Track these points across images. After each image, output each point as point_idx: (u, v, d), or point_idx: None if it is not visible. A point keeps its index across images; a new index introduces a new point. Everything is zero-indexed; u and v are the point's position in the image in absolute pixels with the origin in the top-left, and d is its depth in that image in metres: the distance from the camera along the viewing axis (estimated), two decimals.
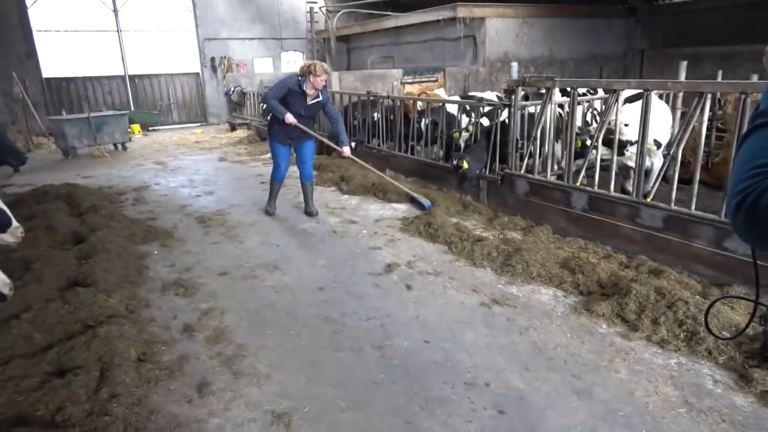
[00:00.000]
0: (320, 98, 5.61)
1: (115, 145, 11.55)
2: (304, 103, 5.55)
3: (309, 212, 6.06)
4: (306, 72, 5.41)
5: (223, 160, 10.00)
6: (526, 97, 5.64)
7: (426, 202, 5.94)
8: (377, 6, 14.54)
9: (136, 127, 14.51)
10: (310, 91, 5.50)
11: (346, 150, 5.86)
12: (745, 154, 0.91)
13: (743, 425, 2.49)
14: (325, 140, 6.30)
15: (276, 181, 6.07)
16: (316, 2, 17.13)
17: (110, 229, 5.29)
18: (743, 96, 3.45)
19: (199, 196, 7.28)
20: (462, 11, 10.87)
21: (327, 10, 16.44)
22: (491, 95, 7.57)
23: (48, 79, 14.65)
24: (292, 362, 3.16)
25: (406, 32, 13.42)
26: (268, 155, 10.14)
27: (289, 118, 5.49)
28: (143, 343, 3.32)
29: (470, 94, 8.74)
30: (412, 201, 6.17)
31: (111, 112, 12.18)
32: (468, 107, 6.67)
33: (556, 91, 5.10)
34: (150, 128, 15.33)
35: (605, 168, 4.89)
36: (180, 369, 3.08)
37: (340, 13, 15.19)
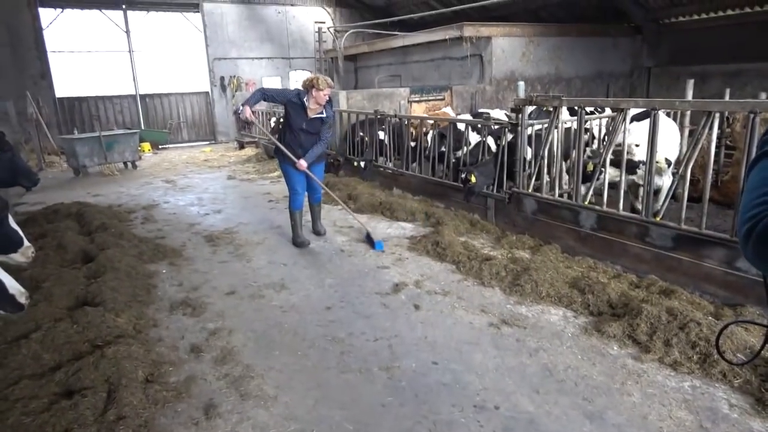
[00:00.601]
0: (323, 114, 5.31)
1: (125, 163, 11.68)
2: (305, 117, 5.27)
3: (317, 231, 6.03)
4: (308, 86, 5.17)
5: (232, 179, 10.07)
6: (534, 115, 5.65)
7: (377, 240, 5.53)
8: (384, 26, 14.72)
9: (146, 146, 14.68)
10: (312, 105, 5.22)
11: (302, 163, 5.32)
12: (753, 180, 0.91)
13: None
14: (290, 154, 5.37)
15: (296, 209, 5.67)
16: (324, 22, 17.39)
17: (119, 247, 5.32)
18: (752, 115, 3.43)
19: (208, 214, 7.32)
20: (468, 30, 10.96)
21: (335, 29, 16.66)
22: (500, 113, 7.60)
23: (61, 99, 14.90)
24: (300, 384, 3.14)
25: (413, 51, 13.53)
26: (277, 173, 10.28)
27: (247, 111, 5.10)
28: (151, 363, 3.31)
29: (480, 111, 8.77)
30: (367, 235, 5.76)
31: (121, 131, 12.34)
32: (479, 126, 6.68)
33: (564, 110, 5.11)
34: (160, 146, 15.51)
35: (613, 186, 4.87)
36: (187, 390, 3.06)
37: (347, 33, 15.38)
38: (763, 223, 0.81)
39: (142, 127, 15.88)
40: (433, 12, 14.37)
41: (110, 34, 15.70)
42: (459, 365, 3.25)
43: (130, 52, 15.97)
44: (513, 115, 5.52)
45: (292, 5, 17.53)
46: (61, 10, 14.81)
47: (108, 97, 15.90)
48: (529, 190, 5.44)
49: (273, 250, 5.63)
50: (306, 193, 5.77)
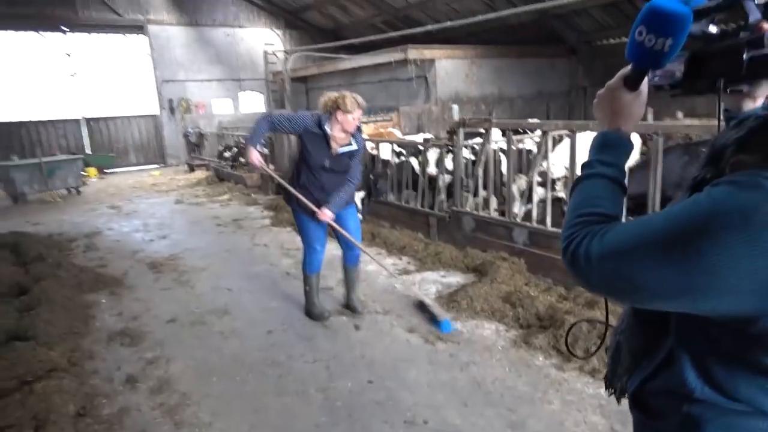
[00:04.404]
0: (353, 146, 3.94)
1: (68, 189, 11.34)
2: (328, 152, 3.88)
3: (353, 307, 4.41)
4: (332, 107, 3.80)
5: (180, 203, 9.95)
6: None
7: (443, 320, 4.02)
8: (334, 48, 14.96)
9: (92, 170, 14.32)
10: (337, 134, 3.84)
11: (325, 213, 3.92)
12: (573, 201, 1.03)
13: None
14: (309, 203, 3.97)
15: (312, 271, 4.29)
16: (273, 44, 17.50)
17: (56, 278, 5.19)
18: (654, 136, 3.75)
19: (153, 240, 7.22)
20: (413, 53, 11.33)
21: (285, 52, 16.79)
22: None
23: None
24: (236, 409, 3.17)
25: (361, 73, 13.83)
26: (226, 196, 10.25)
27: (252, 154, 3.95)
28: (83, 396, 3.27)
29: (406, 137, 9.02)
30: (421, 308, 4.38)
31: (64, 156, 12.00)
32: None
33: (494, 131, 5.38)
34: (107, 171, 15.13)
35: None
36: (120, 422, 3.04)
37: (292, 56, 15.54)
38: (574, 243, 0.93)
39: (88, 152, 15.47)
40: (382, 36, 14.75)
41: (51, 56, 15.30)
42: (393, 382, 3.36)
43: (73, 75, 15.58)
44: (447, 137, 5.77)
45: (240, 27, 17.60)
46: None
47: (51, 121, 15.43)
48: (467, 209, 5.67)
49: (218, 276, 5.62)
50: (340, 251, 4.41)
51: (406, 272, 5.37)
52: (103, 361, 3.83)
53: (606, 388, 1.15)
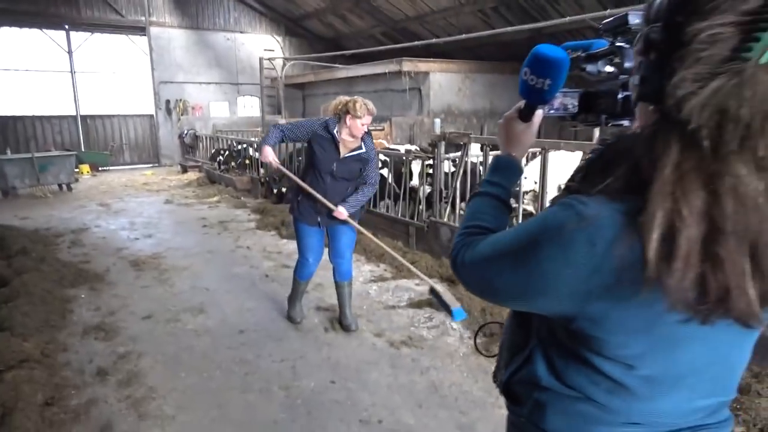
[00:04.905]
0: (362, 149, 3.92)
1: (60, 185, 11.44)
2: (336, 155, 3.87)
3: (346, 325, 4.28)
4: (341, 111, 3.82)
5: (169, 203, 10.06)
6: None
7: (455, 308, 3.71)
8: (330, 57, 15.16)
9: (85, 167, 14.42)
10: (346, 138, 3.88)
11: (340, 210, 3.90)
12: (466, 212, 1.18)
13: None
14: (325, 201, 3.91)
15: (302, 278, 4.31)
16: (273, 50, 17.70)
17: (38, 272, 5.29)
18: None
19: (138, 239, 7.32)
20: (407, 65, 11.53)
21: (284, 59, 16.99)
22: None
23: None
24: (200, 404, 3.27)
25: (357, 82, 14.02)
26: (216, 198, 10.37)
27: (267, 152, 3.85)
28: (53, 387, 3.36)
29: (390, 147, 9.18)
30: (434, 295, 3.95)
31: (57, 153, 12.11)
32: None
33: (473, 146, 5.53)
34: (100, 168, 15.23)
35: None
36: (86, 413, 3.14)
37: (288, 65, 15.76)
38: (455, 250, 1.07)
39: (83, 149, 15.59)
40: (382, 48, 14.97)
41: (52, 53, 15.47)
42: (355, 384, 3.47)
43: (72, 72, 15.74)
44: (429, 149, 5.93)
45: (241, 32, 17.81)
46: None
47: (47, 117, 15.56)
48: (445, 219, 5.81)
49: (198, 275, 5.73)
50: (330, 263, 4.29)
51: (383, 279, 5.50)
52: (75, 353, 3.92)
53: (493, 381, 1.27)
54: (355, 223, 4.06)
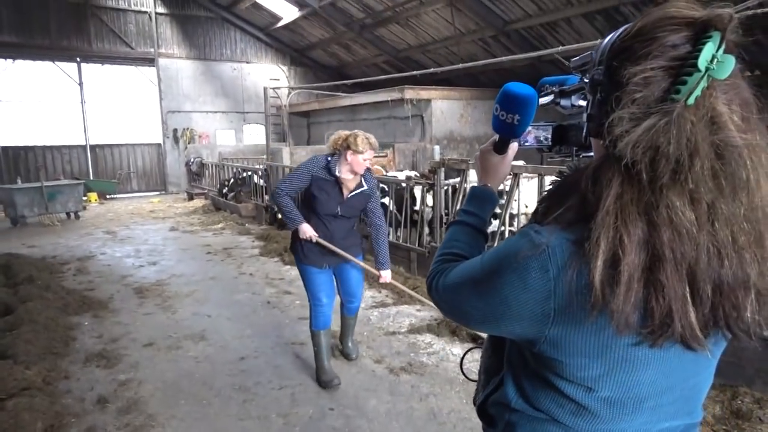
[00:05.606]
0: (364, 187, 3.68)
1: (68, 213, 11.60)
2: (340, 197, 3.61)
3: (347, 353, 4.22)
4: (341, 146, 3.54)
5: (174, 230, 10.16)
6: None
7: None
8: (336, 86, 15.45)
9: (93, 196, 14.64)
10: (347, 176, 3.57)
11: (385, 275, 3.87)
12: (443, 240, 1.23)
13: None
14: (363, 264, 3.92)
15: (319, 327, 3.82)
16: (278, 79, 18.07)
17: (43, 300, 5.35)
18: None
19: (142, 266, 7.39)
20: (409, 93, 11.72)
21: (289, 89, 17.32)
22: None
23: (5, 148, 14.81)
24: (198, 431, 3.27)
25: (361, 110, 14.25)
26: (220, 225, 10.47)
27: (306, 229, 3.57)
28: (53, 415, 3.38)
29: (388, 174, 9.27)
30: None
31: (66, 181, 12.32)
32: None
33: (471, 172, 5.60)
34: (108, 196, 15.45)
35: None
36: None
37: (293, 93, 16.06)
38: (431, 276, 1.12)
39: (91, 177, 15.85)
40: (384, 77, 15.25)
41: (62, 84, 15.87)
42: (353, 411, 3.46)
43: (82, 103, 16.11)
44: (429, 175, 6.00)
45: (247, 62, 18.22)
46: (12, 60, 14.95)
47: (56, 146, 15.89)
48: None
49: (200, 302, 5.76)
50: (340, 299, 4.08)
51: (384, 305, 5.51)
52: (77, 381, 3.95)
53: (474, 404, 1.30)
54: (363, 264, 3.92)
